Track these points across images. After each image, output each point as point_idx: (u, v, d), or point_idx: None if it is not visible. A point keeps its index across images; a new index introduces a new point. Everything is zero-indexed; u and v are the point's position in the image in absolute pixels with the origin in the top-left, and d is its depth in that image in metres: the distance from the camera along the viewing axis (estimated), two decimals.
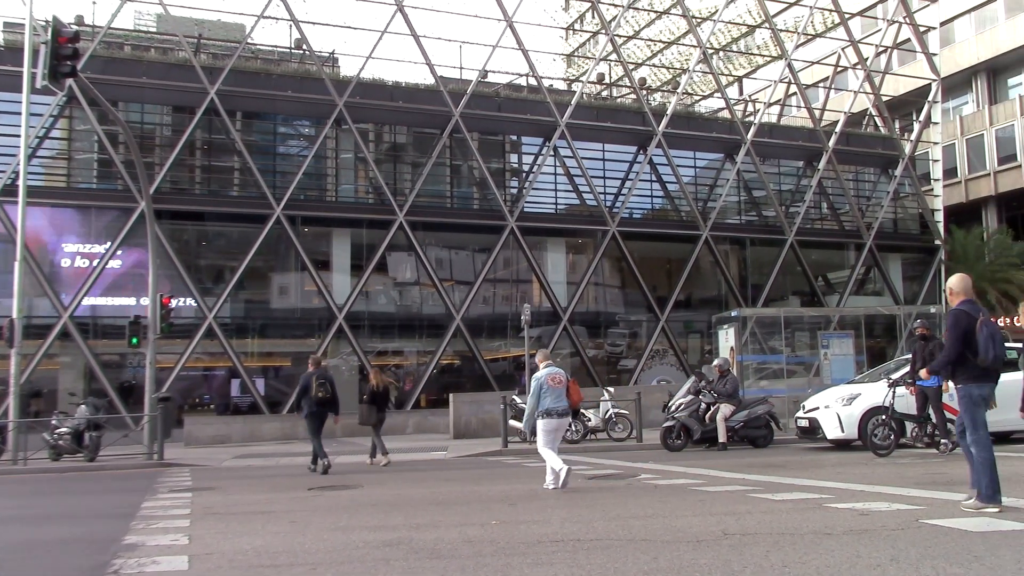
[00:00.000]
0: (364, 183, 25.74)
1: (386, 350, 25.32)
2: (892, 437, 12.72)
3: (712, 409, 15.14)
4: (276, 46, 26.94)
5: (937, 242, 31.24)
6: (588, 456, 14.69)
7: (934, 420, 12.52)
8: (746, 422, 15.31)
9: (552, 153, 26.23)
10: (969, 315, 7.07)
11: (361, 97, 23.82)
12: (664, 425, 15.32)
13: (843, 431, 13.70)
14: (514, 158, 28.58)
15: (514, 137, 27.73)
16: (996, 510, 6.38)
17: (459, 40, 26.46)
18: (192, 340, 21.70)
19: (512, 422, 17.53)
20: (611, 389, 19.81)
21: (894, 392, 12.89)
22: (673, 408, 15.32)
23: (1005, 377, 15.14)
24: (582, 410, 17.69)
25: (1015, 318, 31.22)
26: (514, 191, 27.04)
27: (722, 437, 14.83)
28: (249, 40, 24.94)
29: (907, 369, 13.19)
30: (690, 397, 15.32)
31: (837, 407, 13.96)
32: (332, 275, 24.34)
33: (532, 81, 26.87)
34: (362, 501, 9.16)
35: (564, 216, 27.44)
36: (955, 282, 7.37)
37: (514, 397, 18.23)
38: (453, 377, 25.39)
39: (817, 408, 14.67)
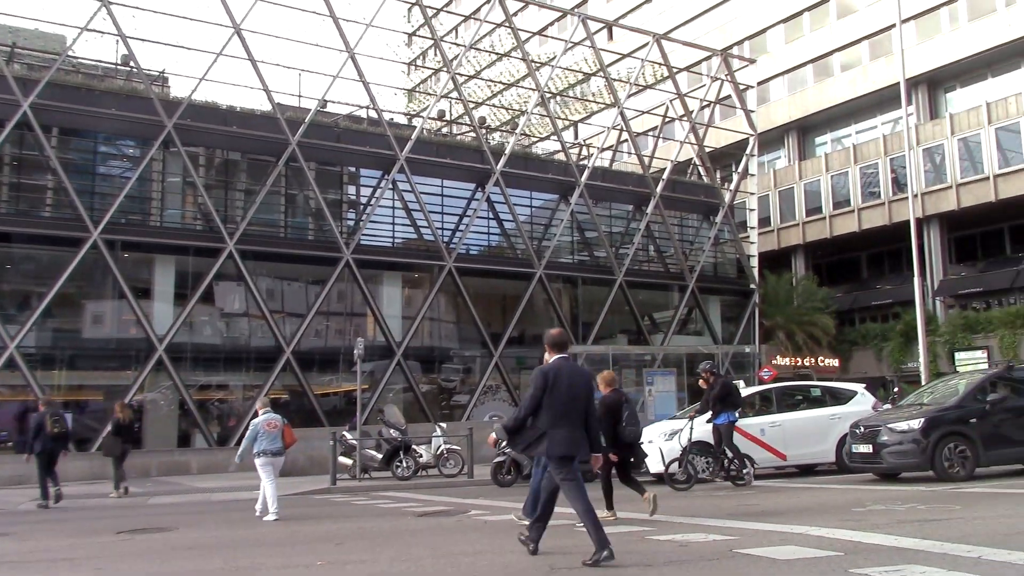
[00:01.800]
0: (192, 209, 24.62)
1: (210, 383, 24.15)
2: (690, 472, 13.32)
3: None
4: (101, 61, 25.46)
5: (752, 286, 33.30)
6: (419, 493, 14.52)
7: (729, 456, 13.22)
8: None
9: (391, 186, 26.11)
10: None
11: (192, 119, 22.85)
12: (495, 460, 15.39)
13: (665, 465, 14.21)
14: (352, 190, 28.24)
15: (352, 169, 27.40)
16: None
17: (299, 68, 26.03)
18: None
19: (341, 458, 17.15)
20: (443, 425, 19.77)
21: (691, 428, 13.53)
22: (504, 444, 15.41)
23: (810, 413, 16.35)
24: (414, 446, 17.54)
25: (819, 358, 33.68)
26: (351, 223, 26.67)
27: None
28: (71, 52, 23.42)
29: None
30: None
31: (660, 442, 14.47)
32: (153, 304, 23.04)
33: (372, 114, 26.70)
34: (177, 544, 8.63)
35: (401, 250, 27.29)
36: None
37: (344, 433, 17.83)
38: (281, 412, 24.46)
39: (650, 442, 15.17)
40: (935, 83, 36.26)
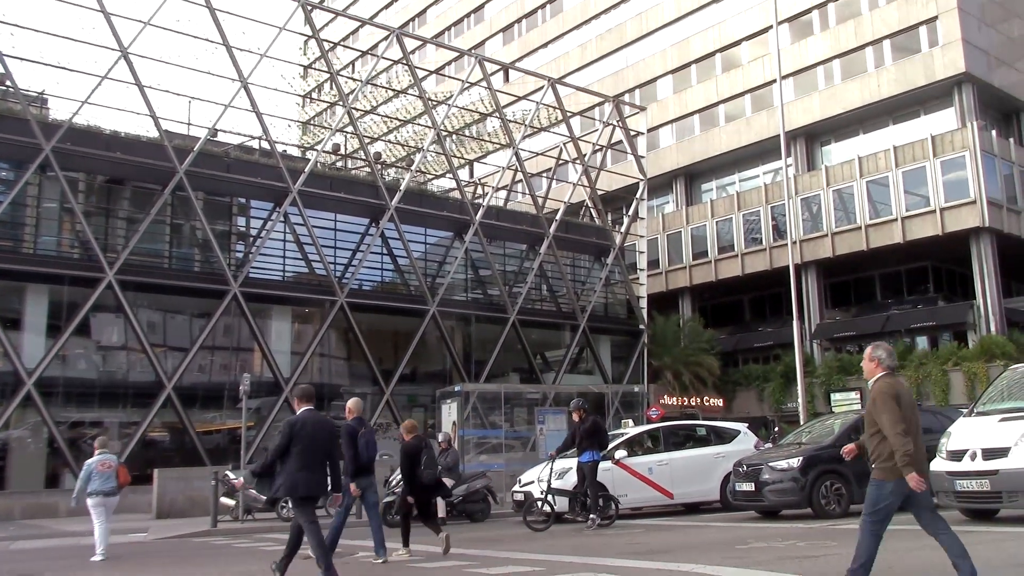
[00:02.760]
0: (70, 236, 23.47)
1: (83, 420, 22.89)
2: (548, 511, 13.42)
3: None
4: None
5: (641, 327, 34.04)
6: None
7: (590, 495, 13.38)
8: (465, 496, 15.48)
9: (282, 219, 25.58)
10: (354, 428, 9.99)
11: (73, 143, 21.88)
12: (384, 500, 15.08)
13: (555, 504, 14.23)
14: (241, 221, 27.53)
15: (243, 200, 26.74)
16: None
17: (189, 95, 25.32)
18: None
19: (224, 499, 16.49)
20: None
21: (551, 468, 13.69)
22: (393, 483, 15.16)
23: (695, 452, 16.70)
24: None
25: (704, 398, 34.59)
26: (240, 255, 25.96)
27: (441, 512, 14.84)
28: None
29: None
30: None
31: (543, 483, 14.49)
32: (23, 335, 21.76)
33: (265, 144, 26.22)
34: None
35: (291, 284, 26.71)
36: (352, 404, 10.48)
37: (227, 472, 17.16)
38: (160, 451, 23.43)
39: (532, 482, 15.18)
40: (812, 136, 38.27)
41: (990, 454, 9.91)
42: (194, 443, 22.67)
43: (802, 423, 20.60)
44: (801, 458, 13.02)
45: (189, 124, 25.98)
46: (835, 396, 31.89)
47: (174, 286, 23.96)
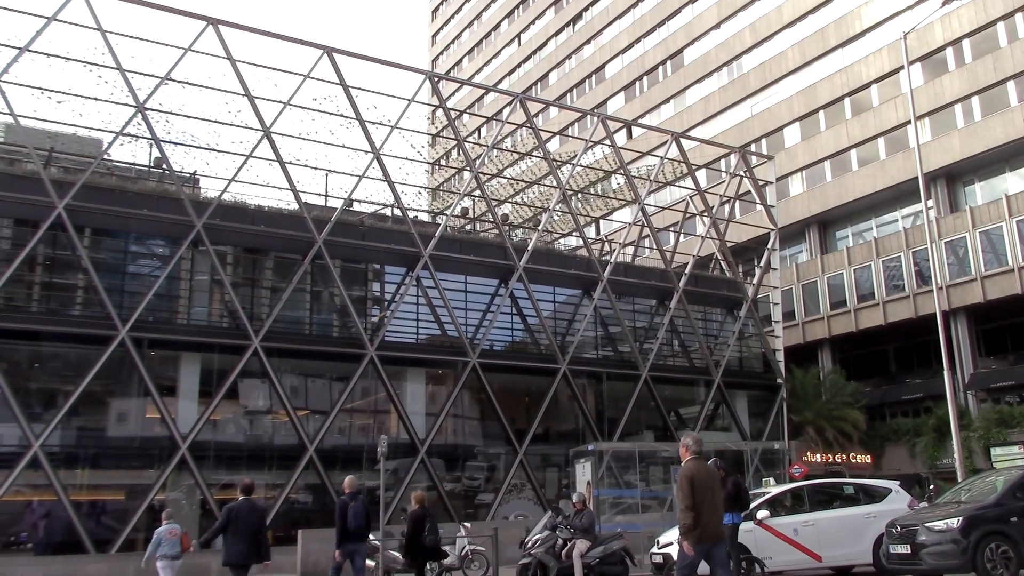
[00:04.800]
0: (219, 306, 24.90)
1: (232, 483, 23.91)
2: None
3: (568, 545, 14.98)
4: (134, 164, 26.26)
5: (779, 380, 32.90)
6: None
7: (731, 557, 12.83)
8: (602, 558, 15.20)
9: (415, 283, 26.33)
10: (345, 502, 12.49)
11: (221, 219, 23.37)
12: (520, 562, 15.02)
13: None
14: (376, 286, 28.50)
15: (377, 266, 27.73)
16: None
17: (325, 168, 26.61)
18: (13, 470, 19.83)
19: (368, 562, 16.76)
20: (468, 525, 19.37)
21: None
22: (529, 544, 15.08)
23: (844, 511, 15.93)
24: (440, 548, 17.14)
25: (850, 454, 32.95)
26: (375, 320, 26.83)
27: (578, 574, 14.63)
28: (105, 156, 24.21)
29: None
30: (547, 532, 15.13)
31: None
32: (178, 402, 23.08)
33: (397, 212, 27.20)
34: None
35: (425, 346, 27.33)
36: (346, 482, 12.95)
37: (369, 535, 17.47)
38: (302, 512, 24.17)
39: (671, 543, 14.78)
40: (953, 177, 36.51)
41: None
42: (334, 504, 23.25)
43: (960, 480, 19.31)
44: (962, 518, 12.17)
45: (326, 196, 27.31)
46: (995, 451, 29.78)
47: (314, 351, 24.98)
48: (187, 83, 23.94)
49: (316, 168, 26.64)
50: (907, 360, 38.77)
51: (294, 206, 24.87)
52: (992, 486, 13.48)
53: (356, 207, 27.68)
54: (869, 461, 33.48)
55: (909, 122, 31.14)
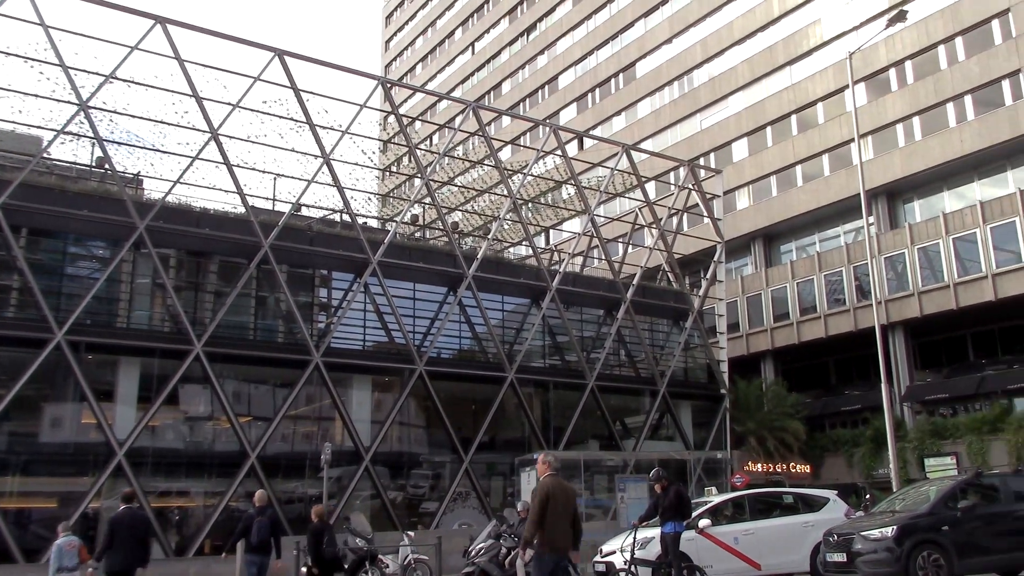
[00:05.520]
0: (160, 310, 24.43)
1: (170, 490, 23.45)
2: None
3: (512, 554, 14.97)
4: (75, 163, 25.64)
5: (723, 391, 33.34)
6: None
7: (673, 566, 13.00)
8: None
9: (363, 290, 26.15)
10: (252, 516, 13.16)
11: (165, 221, 22.93)
12: (464, 571, 14.98)
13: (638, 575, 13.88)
14: (323, 292, 28.23)
15: (325, 272, 27.46)
16: None
17: (273, 172, 26.32)
18: None
19: (304, 569, 16.56)
20: (411, 533, 19.25)
21: (634, 538, 13.38)
22: (473, 553, 15.04)
23: (783, 520, 16.19)
24: (380, 556, 17.02)
25: (790, 464, 33.51)
26: (321, 326, 26.56)
27: None
28: (45, 155, 23.60)
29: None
30: (491, 541, 15.11)
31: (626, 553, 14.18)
32: (115, 407, 22.53)
33: (346, 218, 26.99)
34: None
35: (371, 353, 27.12)
36: (256, 496, 13.44)
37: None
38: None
39: (614, 552, 14.87)
40: (894, 194, 37.46)
41: None
42: (276, 512, 22.91)
43: (895, 490, 19.75)
44: (896, 527, 12.46)
45: (274, 200, 26.97)
46: (929, 461, 30.54)
47: (259, 357, 24.63)
48: (133, 82, 23.50)
49: (264, 172, 26.36)
50: (847, 372, 39.61)
51: (241, 209, 24.53)
52: (925, 496, 13.82)
53: (304, 212, 27.40)
54: (808, 471, 34.08)
55: (853, 140, 31.90)
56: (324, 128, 26.14)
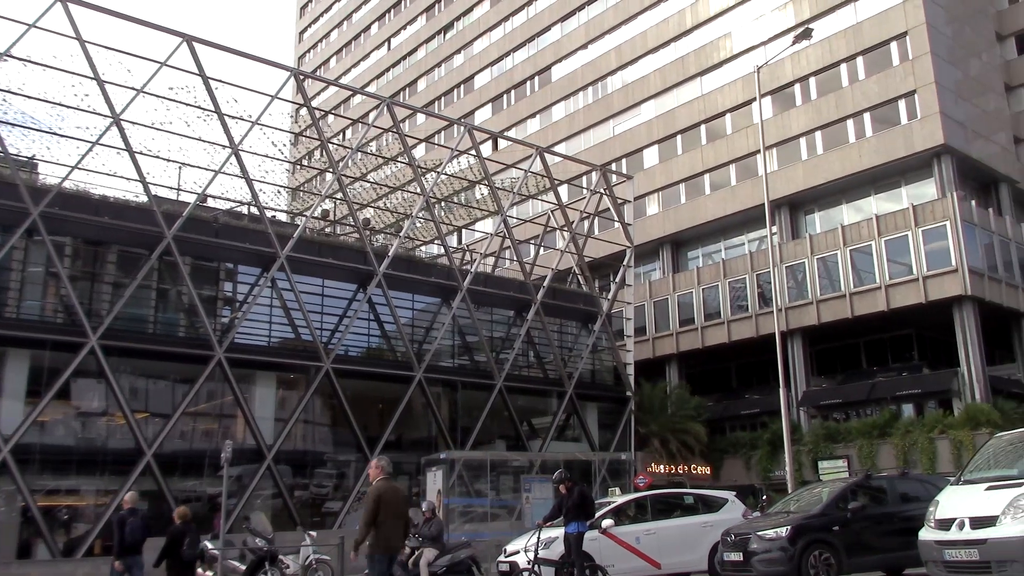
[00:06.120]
0: (54, 301, 23.35)
1: (59, 488, 22.46)
2: None
3: (416, 554, 14.89)
4: None
5: (628, 393, 33.90)
6: None
7: (576, 565, 13.19)
8: (449, 567, 15.18)
9: (269, 284, 25.56)
10: (124, 516, 13.31)
11: (61, 208, 21.94)
12: (365, 572, 14.79)
13: (541, 575, 13.98)
14: (228, 286, 27.49)
15: (230, 265, 26.74)
16: None
17: (179, 161, 25.48)
18: None
19: (199, 570, 16.10)
20: (313, 533, 18.92)
21: (538, 537, 13.54)
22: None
23: (683, 521, 16.56)
24: (281, 556, 16.68)
25: (692, 466, 34.31)
26: (225, 321, 25.86)
27: None
28: None
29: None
30: None
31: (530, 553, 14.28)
32: (1, 401, 21.44)
33: (254, 210, 26.36)
34: None
35: (277, 350, 26.55)
36: (127, 497, 13.62)
37: (206, 543, 16.80)
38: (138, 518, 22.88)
39: (518, 552, 14.94)
40: (796, 205, 38.79)
41: (978, 523, 9.82)
42: (171, 512, 22.19)
43: (790, 491, 20.43)
44: (790, 527, 12.88)
45: (179, 190, 26.13)
46: (823, 464, 31.73)
47: (158, 351, 23.76)
48: (30, 61, 22.41)
49: (169, 160, 25.48)
50: (747, 377, 40.84)
51: (143, 198, 23.67)
52: (818, 497, 14.33)
53: (211, 203, 26.66)
54: (709, 472, 34.96)
55: (758, 151, 32.90)
56: (233, 118, 25.47)
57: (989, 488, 10.23)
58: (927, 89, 34.07)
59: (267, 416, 25.37)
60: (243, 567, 16.61)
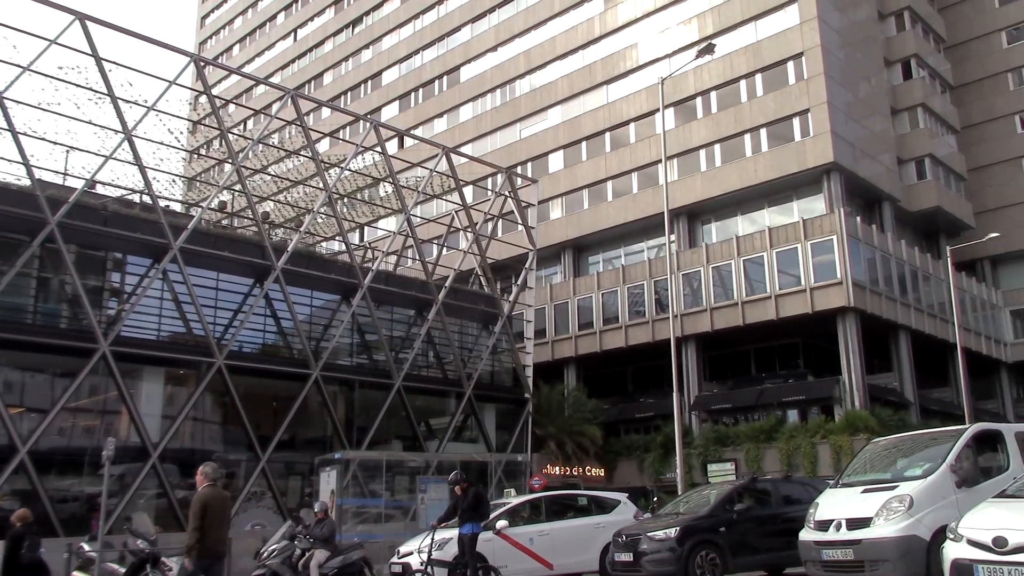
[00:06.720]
0: None
1: None
2: None
3: (307, 555, 14.60)
4: None
5: (527, 395, 34.11)
6: None
7: (469, 566, 13.26)
8: (340, 568, 14.93)
9: (161, 276, 24.63)
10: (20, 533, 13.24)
11: None
12: (254, 574, 14.43)
13: None
14: (116, 277, 26.36)
15: (119, 255, 25.64)
16: None
17: (67, 144, 24.29)
18: None
19: (77, 573, 15.41)
20: None
21: (432, 538, 13.56)
22: (265, 555, 14.52)
23: (576, 522, 16.74)
24: (163, 559, 16.08)
25: (586, 468, 34.79)
26: (112, 313, 24.79)
27: None
28: None
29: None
30: (284, 543, 14.65)
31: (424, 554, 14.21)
32: None
33: (147, 199, 25.37)
34: None
35: (167, 344, 25.60)
36: (17, 514, 13.45)
37: (82, 544, 16.07)
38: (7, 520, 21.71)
39: (411, 553, 14.84)
40: (694, 215, 39.85)
41: (854, 524, 10.27)
42: (47, 512, 21.14)
43: (680, 493, 20.94)
44: (678, 528, 13.20)
45: (65, 175, 24.93)
46: (712, 467, 32.66)
47: (37, 343, 22.57)
48: None
49: (56, 143, 24.24)
50: (643, 381, 41.70)
51: (26, 182, 22.46)
52: (706, 499, 14.74)
53: (100, 190, 25.50)
54: (603, 474, 35.51)
55: (660, 161, 33.61)
56: (127, 102, 24.44)
57: (865, 491, 10.72)
58: (820, 108, 35.54)
59: (154, 413, 24.43)
60: (123, 570, 15.93)
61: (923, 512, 9.96)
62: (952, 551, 8.12)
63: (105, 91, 23.87)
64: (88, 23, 23.68)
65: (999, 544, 7.61)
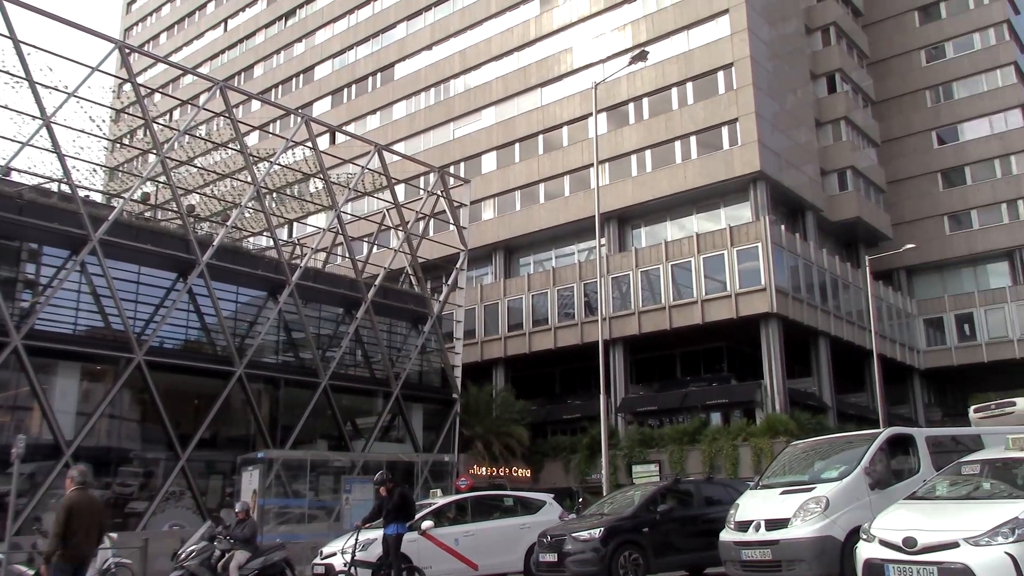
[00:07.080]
0: None
1: None
2: None
3: (227, 556, 14.28)
4: None
5: (455, 395, 34.03)
6: None
7: (393, 567, 13.21)
8: (261, 570, 14.65)
9: (78, 268, 23.82)
10: None
11: None
12: (172, 575, 14.06)
13: None
14: (31, 268, 25.37)
15: (34, 245, 24.68)
16: None
17: None
18: None
19: None
20: (114, 535, 17.77)
21: (355, 539, 13.47)
22: (183, 556, 14.17)
23: (501, 523, 16.75)
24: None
25: (513, 468, 34.88)
26: (25, 305, 23.87)
27: None
28: None
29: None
30: (203, 543, 14.30)
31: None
32: None
33: (65, 188, 24.50)
34: None
35: (83, 339, 24.72)
36: None
37: None
38: None
39: (334, 554, 14.66)
40: (624, 219, 40.34)
41: (772, 525, 10.52)
42: None
43: (605, 494, 21.14)
44: (602, 529, 13.32)
45: None
46: (636, 468, 33.07)
47: None
48: None
49: None
50: (571, 382, 42.00)
51: None
52: (630, 500, 14.92)
53: (16, 177, 24.55)
54: (529, 475, 35.64)
55: (592, 165, 33.89)
56: (47, 87, 23.58)
57: (783, 492, 10.99)
58: (748, 118, 36.35)
59: (68, 410, 23.61)
60: (31, 572, 15.37)
61: (838, 513, 10.26)
62: (865, 551, 8.40)
63: (23, 75, 22.99)
64: (6, 3, 22.78)
65: (909, 544, 7.90)
